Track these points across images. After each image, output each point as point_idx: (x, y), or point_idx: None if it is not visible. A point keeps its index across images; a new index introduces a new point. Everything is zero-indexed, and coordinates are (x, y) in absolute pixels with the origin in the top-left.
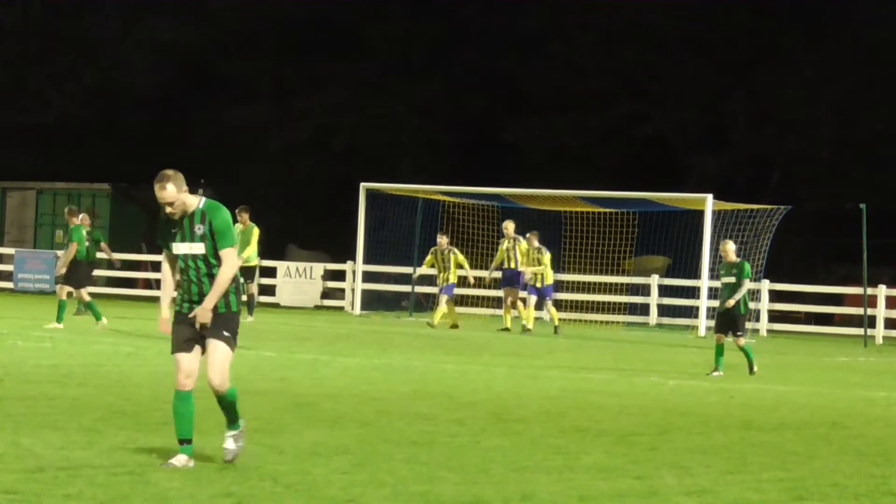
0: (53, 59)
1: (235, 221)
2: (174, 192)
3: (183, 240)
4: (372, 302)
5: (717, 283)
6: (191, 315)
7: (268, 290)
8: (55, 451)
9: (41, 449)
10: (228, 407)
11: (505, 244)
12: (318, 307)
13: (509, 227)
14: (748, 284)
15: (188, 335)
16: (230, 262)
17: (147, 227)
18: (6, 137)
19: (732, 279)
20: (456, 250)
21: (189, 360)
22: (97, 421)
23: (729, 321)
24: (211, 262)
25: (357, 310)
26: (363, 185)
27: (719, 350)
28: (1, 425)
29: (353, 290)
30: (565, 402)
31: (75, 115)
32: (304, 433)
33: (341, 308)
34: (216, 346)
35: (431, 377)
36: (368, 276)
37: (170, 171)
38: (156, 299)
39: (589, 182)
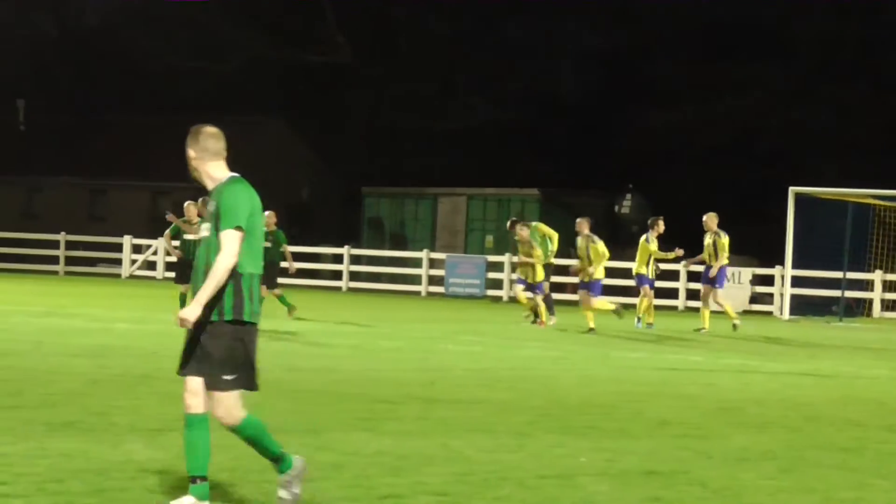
0: (480, 65)
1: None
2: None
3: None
4: (801, 307)
5: None
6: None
7: (696, 296)
8: (485, 453)
9: (471, 451)
10: (248, 442)
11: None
12: (746, 312)
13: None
14: None
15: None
16: (228, 249)
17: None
18: (437, 144)
19: None
20: (595, 238)
21: None
22: (526, 424)
23: None
24: (212, 247)
25: (786, 314)
26: (792, 189)
27: None
28: (432, 428)
29: (781, 295)
30: None
31: (502, 121)
32: (732, 438)
33: (769, 313)
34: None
35: (861, 383)
36: (797, 281)
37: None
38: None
39: None
